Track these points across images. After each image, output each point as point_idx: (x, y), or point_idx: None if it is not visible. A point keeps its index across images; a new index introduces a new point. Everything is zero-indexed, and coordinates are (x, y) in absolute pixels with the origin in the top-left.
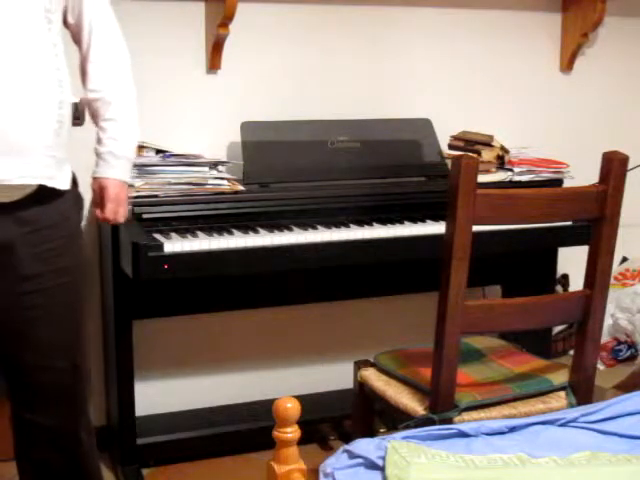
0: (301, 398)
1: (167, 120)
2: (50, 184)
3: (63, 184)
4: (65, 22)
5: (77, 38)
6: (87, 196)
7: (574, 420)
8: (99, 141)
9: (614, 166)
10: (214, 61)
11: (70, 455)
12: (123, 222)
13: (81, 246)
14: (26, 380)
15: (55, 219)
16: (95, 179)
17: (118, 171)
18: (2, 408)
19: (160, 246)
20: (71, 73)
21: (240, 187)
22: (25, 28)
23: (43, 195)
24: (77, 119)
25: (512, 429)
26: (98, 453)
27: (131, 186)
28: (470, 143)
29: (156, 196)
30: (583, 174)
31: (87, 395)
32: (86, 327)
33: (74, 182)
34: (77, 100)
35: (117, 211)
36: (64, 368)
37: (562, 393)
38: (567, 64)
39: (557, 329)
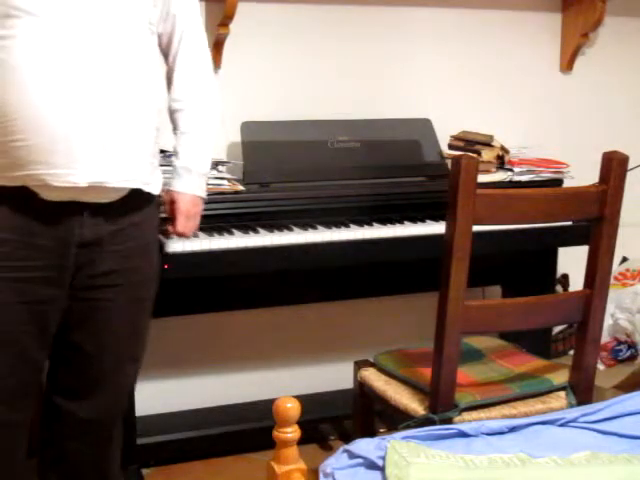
0: (301, 398)
1: (167, 120)
2: (146, 189)
3: (155, 189)
4: (156, 31)
5: (165, 47)
6: None
7: (574, 420)
8: (176, 154)
9: (614, 166)
10: (214, 61)
11: (100, 450)
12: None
13: (156, 250)
14: (82, 369)
15: (139, 220)
16: (167, 192)
17: (191, 185)
18: None
19: (160, 246)
20: None
21: (240, 187)
22: (132, 39)
23: (136, 198)
24: None
25: (512, 429)
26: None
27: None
28: (470, 143)
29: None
30: (583, 174)
31: (128, 395)
32: (148, 326)
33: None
34: None
35: (187, 225)
36: (121, 362)
37: (562, 393)
38: (567, 64)
39: (557, 329)
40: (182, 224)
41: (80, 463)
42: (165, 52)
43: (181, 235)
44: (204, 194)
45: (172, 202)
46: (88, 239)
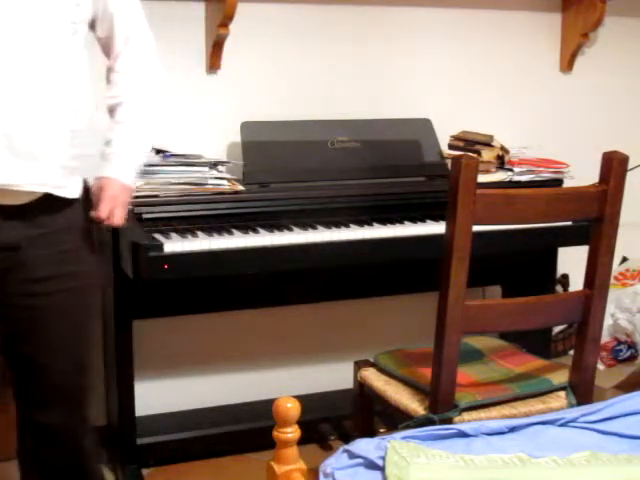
0: (301, 398)
1: (167, 120)
2: (58, 193)
3: (72, 193)
4: (95, 33)
5: (106, 47)
6: None
7: (574, 420)
8: (107, 142)
9: (614, 166)
10: (214, 61)
11: (73, 456)
12: (120, 225)
13: (93, 253)
14: (34, 380)
15: (63, 225)
16: (97, 180)
17: (120, 172)
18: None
19: (160, 246)
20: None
21: (240, 187)
22: (49, 37)
23: (51, 202)
24: None
25: (512, 429)
26: (99, 456)
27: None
28: (470, 143)
29: (156, 196)
30: (583, 174)
31: (90, 398)
32: (94, 332)
33: (86, 191)
34: None
35: (113, 212)
36: (71, 369)
37: (562, 393)
38: (567, 64)
39: (557, 329)
40: (104, 209)
41: (54, 470)
42: (106, 52)
43: (103, 222)
44: (132, 184)
45: (99, 189)
46: (6, 243)
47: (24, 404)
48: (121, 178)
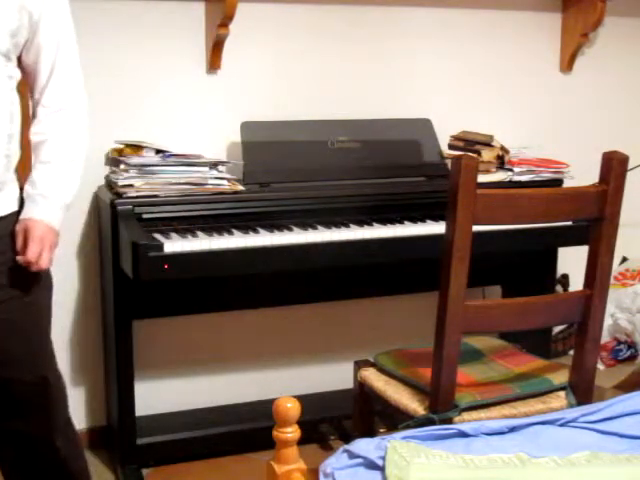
0: (301, 398)
1: (167, 120)
2: None
3: (2, 210)
4: (19, 60)
5: (31, 79)
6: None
7: (574, 420)
8: (31, 182)
9: (614, 166)
10: (214, 61)
11: (48, 461)
12: (46, 268)
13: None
14: (2, 393)
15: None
16: (20, 220)
17: (47, 214)
18: None
19: (160, 246)
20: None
21: (240, 187)
22: None
23: None
24: None
25: (512, 429)
26: (81, 456)
27: (56, 230)
28: (470, 143)
29: (156, 196)
30: (583, 174)
31: (63, 403)
32: (50, 341)
33: (21, 204)
34: None
35: (41, 254)
36: (32, 381)
37: (562, 393)
38: (567, 64)
39: (557, 329)
40: (34, 251)
41: (36, 476)
42: (31, 84)
43: (31, 265)
44: (58, 227)
45: (24, 230)
46: None
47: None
48: (48, 220)
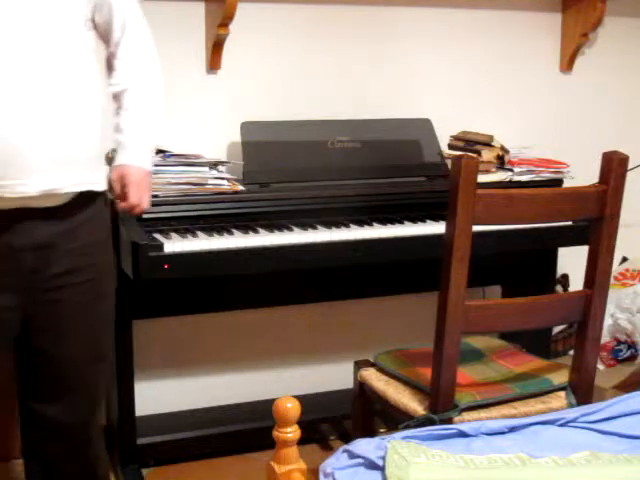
0: (301, 398)
1: (167, 120)
2: (93, 188)
3: (101, 185)
4: (92, 21)
5: (105, 36)
6: None
7: (574, 420)
8: (118, 130)
9: (614, 166)
10: (214, 61)
11: (80, 452)
12: (145, 210)
13: (110, 244)
14: (48, 372)
15: (90, 217)
16: (114, 168)
17: (139, 157)
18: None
19: (160, 246)
20: None
21: (240, 187)
22: (68, 38)
23: (85, 196)
24: None
25: (512, 429)
26: (106, 459)
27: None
28: (470, 143)
29: (156, 196)
30: (583, 174)
31: (102, 394)
32: (112, 321)
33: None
34: None
35: (141, 196)
36: (88, 362)
37: (562, 393)
38: (567, 64)
39: (557, 329)
40: (135, 194)
41: (63, 465)
42: (105, 39)
43: (134, 209)
44: (150, 168)
45: (121, 177)
46: (41, 242)
47: (31, 398)
48: (140, 163)
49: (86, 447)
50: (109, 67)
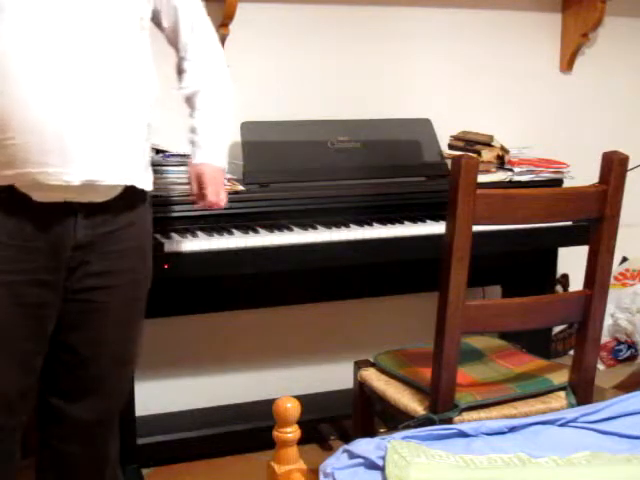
0: (301, 398)
1: (167, 120)
2: (140, 185)
3: (148, 186)
4: (159, 26)
5: (173, 39)
6: None
7: (574, 420)
8: (193, 130)
9: (614, 166)
10: None
11: (96, 450)
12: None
13: (150, 250)
14: (77, 371)
15: (132, 221)
16: (193, 167)
17: (214, 156)
18: None
19: (160, 246)
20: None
21: (240, 187)
22: (121, 35)
23: (129, 196)
24: None
25: (512, 429)
26: (117, 465)
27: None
28: (470, 143)
29: (156, 196)
30: (583, 174)
31: (126, 397)
32: (141, 326)
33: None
34: None
35: (219, 193)
36: (116, 365)
37: (562, 393)
38: (567, 64)
39: (557, 329)
40: (214, 192)
41: (77, 463)
42: (174, 43)
43: (214, 205)
44: (225, 166)
45: (198, 175)
46: (82, 241)
47: (56, 396)
48: (215, 162)
49: (102, 447)
50: (179, 71)
